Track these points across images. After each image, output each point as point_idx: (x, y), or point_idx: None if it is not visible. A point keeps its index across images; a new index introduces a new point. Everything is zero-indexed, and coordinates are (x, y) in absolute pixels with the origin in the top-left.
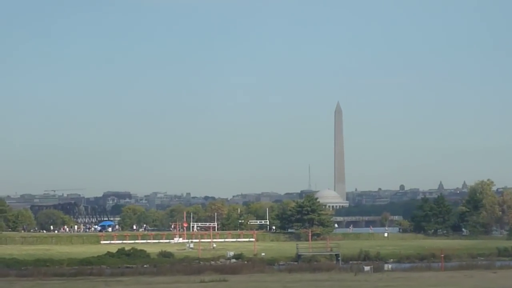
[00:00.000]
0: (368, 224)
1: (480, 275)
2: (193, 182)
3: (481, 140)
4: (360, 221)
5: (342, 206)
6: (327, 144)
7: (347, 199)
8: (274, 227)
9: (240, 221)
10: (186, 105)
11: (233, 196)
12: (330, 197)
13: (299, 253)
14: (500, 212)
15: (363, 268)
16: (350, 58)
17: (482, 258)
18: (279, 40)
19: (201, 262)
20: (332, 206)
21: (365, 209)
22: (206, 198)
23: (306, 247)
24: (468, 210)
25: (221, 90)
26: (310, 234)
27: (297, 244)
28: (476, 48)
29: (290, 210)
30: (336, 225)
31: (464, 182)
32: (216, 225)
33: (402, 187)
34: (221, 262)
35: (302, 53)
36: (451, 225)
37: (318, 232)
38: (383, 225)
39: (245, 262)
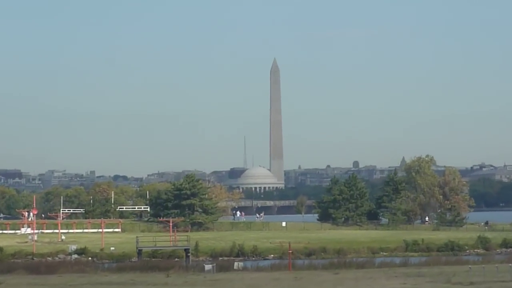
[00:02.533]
0: (309, 209)
1: (313, 277)
2: (99, 159)
3: (453, 108)
4: (294, 205)
5: (276, 187)
6: (263, 111)
7: (287, 178)
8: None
9: (112, 207)
10: (99, 69)
11: (148, 175)
12: (261, 176)
13: (139, 248)
14: (441, 196)
15: (204, 267)
16: (288, 7)
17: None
18: None
19: (34, 258)
20: (264, 188)
21: (306, 191)
22: (115, 177)
23: (150, 241)
24: (386, 194)
25: (137, 48)
26: (170, 224)
27: (137, 236)
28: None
29: (166, 194)
30: (238, 213)
31: (433, 157)
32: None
33: (356, 164)
34: (59, 258)
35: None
36: (365, 212)
37: (200, 220)
38: (300, 212)
39: (89, 258)
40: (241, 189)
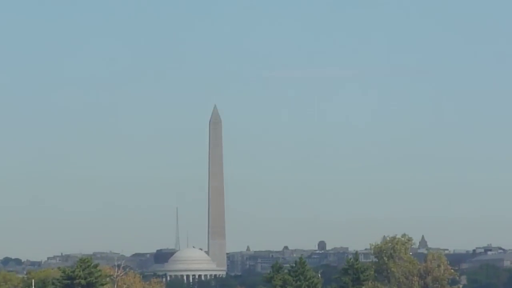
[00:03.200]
0: None
1: None
2: None
3: (451, 175)
4: None
5: (215, 275)
6: (199, 176)
7: (232, 263)
8: None
9: None
10: None
11: (48, 258)
12: (196, 260)
13: None
14: None
15: None
16: (236, 39)
17: None
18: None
19: None
20: (199, 276)
21: (255, 280)
22: (5, 260)
23: None
24: (344, 285)
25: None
26: None
27: None
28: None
29: (53, 284)
30: None
31: (423, 237)
32: None
33: (322, 245)
34: None
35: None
36: None
37: None
38: None
39: None
40: (168, 277)
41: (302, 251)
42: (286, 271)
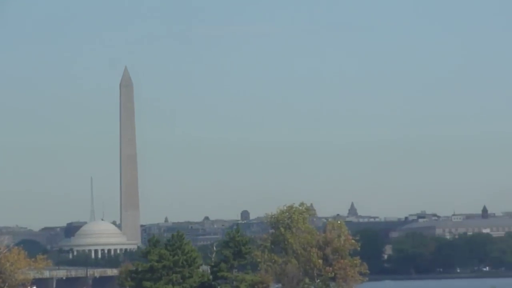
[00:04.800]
0: None
1: None
2: None
3: (386, 134)
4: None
5: (126, 249)
6: (112, 142)
7: (148, 236)
8: None
9: None
10: None
11: None
12: (105, 234)
13: None
14: (320, 260)
15: None
16: None
17: None
18: None
19: None
20: (108, 250)
21: None
22: None
23: None
24: (225, 258)
25: None
26: None
27: None
28: None
29: None
30: None
31: (352, 204)
32: None
33: (245, 215)
34: None
35: None
36: (196, 286)
37: None
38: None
39: None
40: (75, 252)
41: (223, 222)
42: (163, 244)
